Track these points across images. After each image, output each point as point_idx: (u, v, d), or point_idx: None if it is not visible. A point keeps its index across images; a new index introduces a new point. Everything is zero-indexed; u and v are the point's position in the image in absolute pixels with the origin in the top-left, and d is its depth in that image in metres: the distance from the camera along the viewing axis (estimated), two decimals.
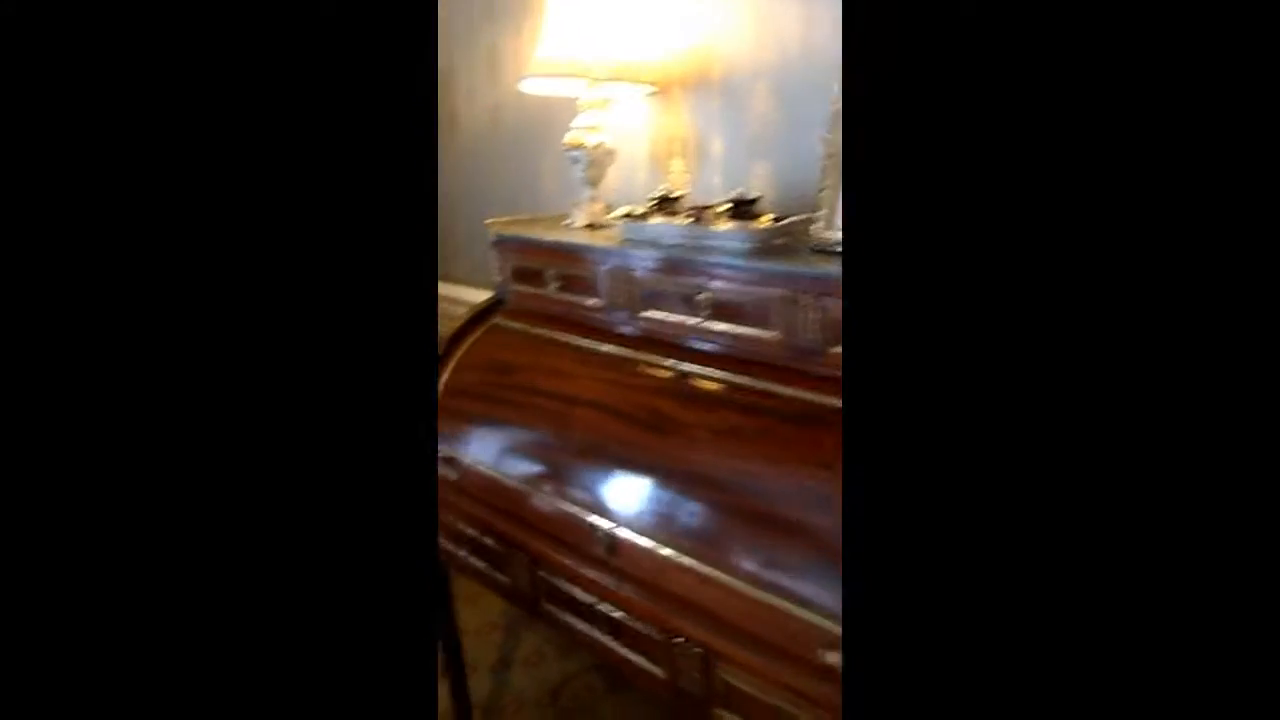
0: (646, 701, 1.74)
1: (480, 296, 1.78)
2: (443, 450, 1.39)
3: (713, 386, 1.12)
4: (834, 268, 0.99)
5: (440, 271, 2.54)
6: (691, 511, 1.03)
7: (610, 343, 1.30)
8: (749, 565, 0.95)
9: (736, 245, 1.11)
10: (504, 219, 1.58)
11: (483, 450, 1.35)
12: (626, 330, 1.29)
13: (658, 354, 1.22)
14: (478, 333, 1.49)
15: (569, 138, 1.54)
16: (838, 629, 0.85)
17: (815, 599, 0.88)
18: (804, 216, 1.16)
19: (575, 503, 1.17)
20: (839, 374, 0.96)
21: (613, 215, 1.36)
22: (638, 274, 1.25)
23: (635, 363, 1.24)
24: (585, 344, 1.33)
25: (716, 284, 1.13)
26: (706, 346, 1.17)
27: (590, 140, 1.52)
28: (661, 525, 1.05)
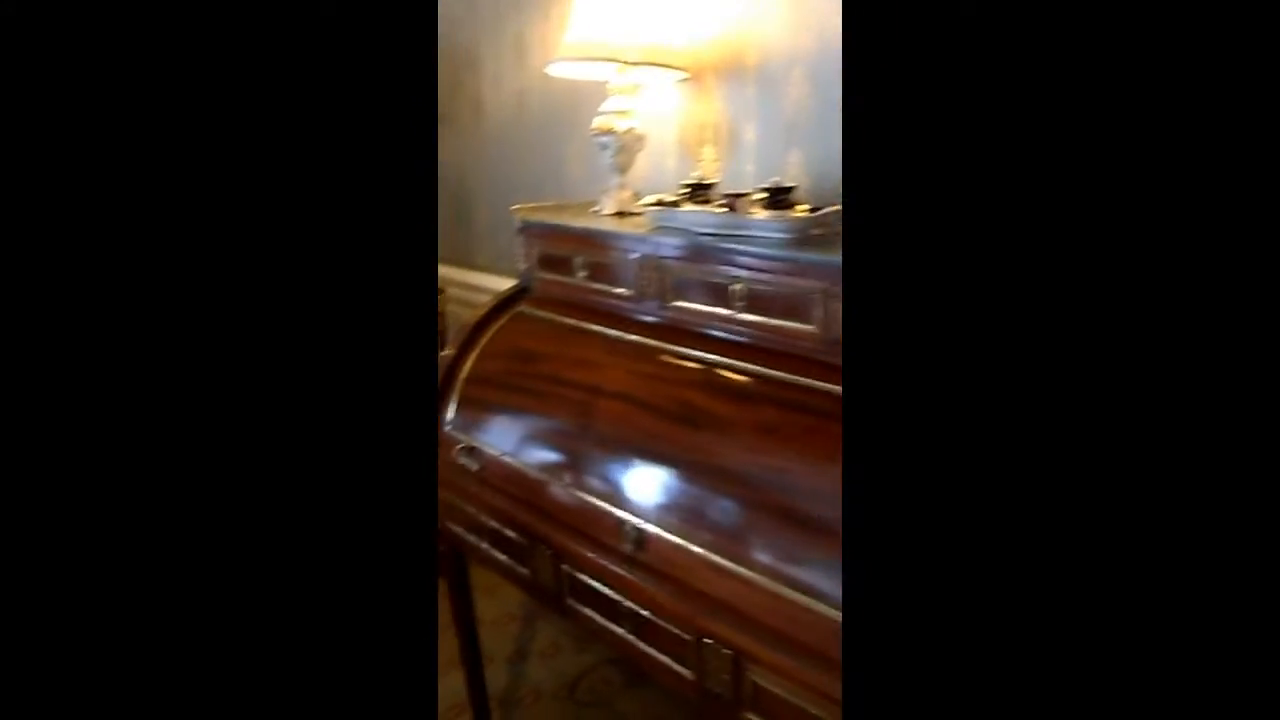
0: (665, 697, 1.72)
1: (503, 284, 1.76)
2: (464, 439, 1.36)
3: (746, 380, 1.09)
4: None
5: (462, 259, 2.52)
6: (724, 508, 1.00)
7: (638, 333, 1.27)
8: (783, 565, 0.92)
9: (773, 235, 1.08)
10: (530, 205, 1.55)
11: (505, 440, 1.32)
12: (655, 320, 1.26)
13: (687, 345, 1.19)
14: (501, 320, 1.47)
15: (598, 123, 1.50)
16: None
17: None
18: (840, 207, 1.12)
19: (601, 496, 1.15)
20: None
21: (643, 203, 1.33)
22: (668, 263, 1.22)
23: (664, 353, 1.21)
24: (612, 333, 1.30)
25: (750, 274, 1.10)
26: (738, 338, 1.13)
27: (620, 125, 1.49)
28: (692, 522, 1.02)
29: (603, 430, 1.19)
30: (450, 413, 1.41)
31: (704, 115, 1.63)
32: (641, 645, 1.09)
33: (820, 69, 1.40)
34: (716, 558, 0.98)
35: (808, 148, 1.45)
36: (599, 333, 1.32)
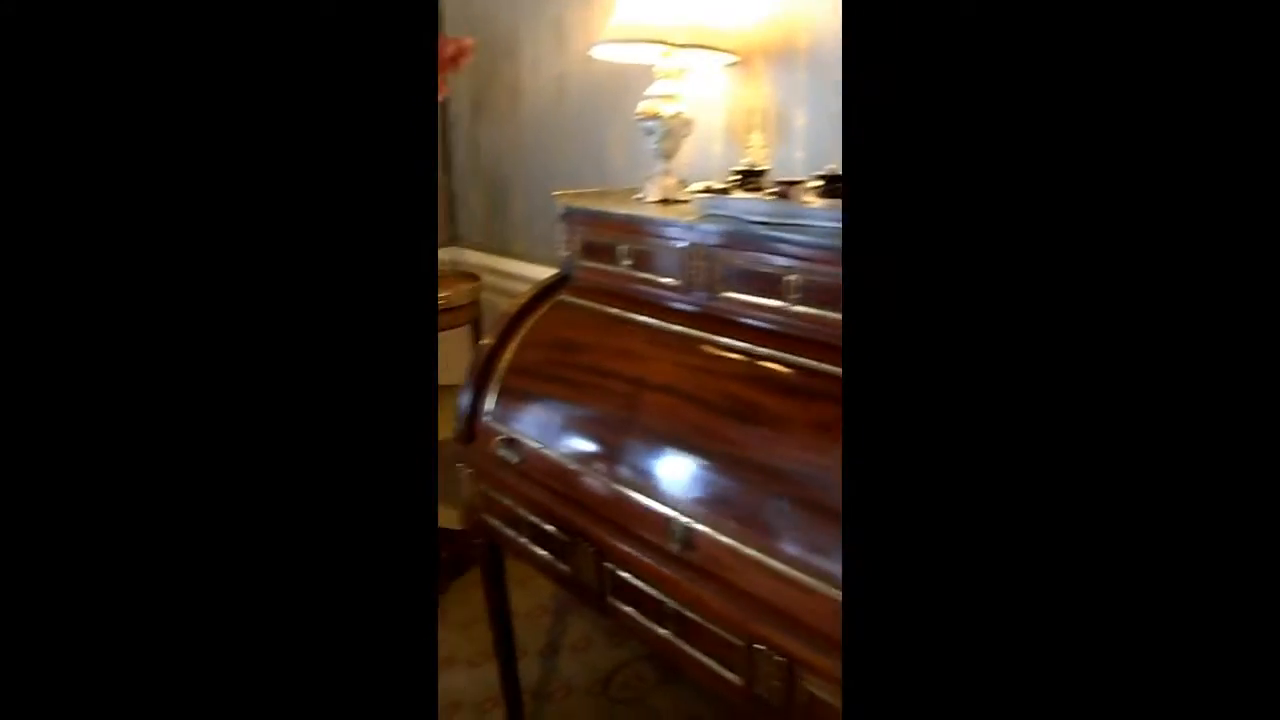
0: (699, 694, 1.69)
1: (540, 273, 1.73)
2: (503, 431, 1.33)
3: (799, 374, 1.04)
4: None
5: (498, 246, 2.50)
6: (777, 509, 0.96)
7: (684, 323, 1.22)
8: (840, 569, 0.88)
9: (830, 224, 1.03)
10: (572, 191, 1.51)
11: (545, 432, 1.29)
12: (701, 310, 1.22)
13: (735, 336, 1.15)
14: (543, 309, 1.43)
15: (643, 107, 1.46)
16: None
17: None
18: None
19: (646, 492, 1.11)
20: None
21: (690, 190, 1.29)
22: (717, 251, 1.18)
23: (711, 345, 1.17)
24: (657, 324, 1.26)
25: (804, 265, 1.05)
26: (790, 331, 1.09)
27: (666, 110, 1.44)
28: (744, 522, 0.98)
29: (648, 423, 1.15)
30: (490, 404, 1.38)
31: (752, 100, 1.58)
32: (685, 647, 1.05)
33: None
34: (771, 560, 0.94)
35: None
36: (643, 323, 1.28)
